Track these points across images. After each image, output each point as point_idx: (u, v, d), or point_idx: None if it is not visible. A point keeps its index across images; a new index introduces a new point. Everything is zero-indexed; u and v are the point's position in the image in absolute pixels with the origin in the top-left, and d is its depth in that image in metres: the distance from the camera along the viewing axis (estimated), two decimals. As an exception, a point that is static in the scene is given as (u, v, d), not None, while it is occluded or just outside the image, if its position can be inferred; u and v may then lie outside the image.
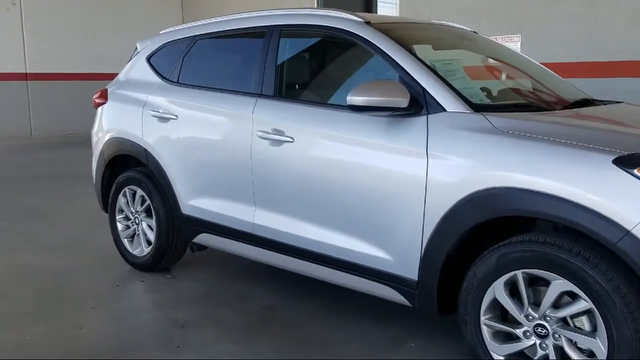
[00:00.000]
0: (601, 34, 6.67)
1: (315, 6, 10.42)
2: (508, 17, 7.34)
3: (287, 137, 3.12)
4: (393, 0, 14.89)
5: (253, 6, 4.89)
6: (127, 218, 4.23)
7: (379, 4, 12.39)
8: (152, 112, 3.91)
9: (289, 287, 3.81)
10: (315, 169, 3.02)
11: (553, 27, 6.96)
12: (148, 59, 4.21)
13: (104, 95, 4.36)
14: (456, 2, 7.65)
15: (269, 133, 3.21)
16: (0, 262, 4.40)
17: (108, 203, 4.32)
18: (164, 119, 3.84)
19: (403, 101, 2.62)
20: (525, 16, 7.17)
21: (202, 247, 4.01)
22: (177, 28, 4.18)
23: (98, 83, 12.64)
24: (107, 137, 4.24)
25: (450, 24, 3.81)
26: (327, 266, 3.04)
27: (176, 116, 3.77)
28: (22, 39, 12.31)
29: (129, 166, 4.31)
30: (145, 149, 3.94)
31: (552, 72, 3.63)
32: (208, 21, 3.95)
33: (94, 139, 4.42)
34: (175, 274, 4.12)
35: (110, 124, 4.28)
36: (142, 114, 3.98)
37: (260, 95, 3.35)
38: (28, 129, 12.54)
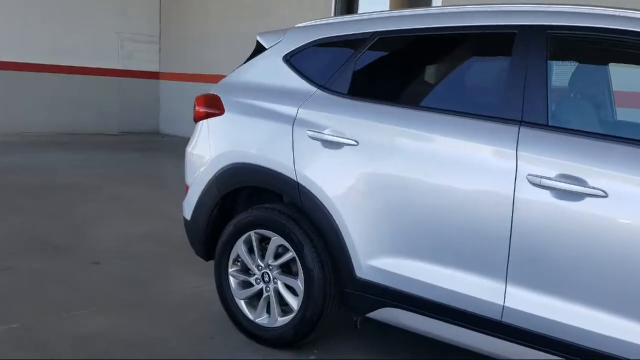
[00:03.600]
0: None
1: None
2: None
3: (594, 188, 2.13)
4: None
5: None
6: (247, 272, 3.09)
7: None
8: (310, 132, 2.83)
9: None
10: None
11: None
12: (287, 59, 3.10)
13: (216, 104, 3.19)
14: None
15: (552, 180, 2.21)
16: (60, 329, 3.10)
17: (215, 249, 3.18)
18: (333, 144, 2.76)
19: None
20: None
21: (366, 321, 2.94)
22: (334, 20, 3.09)
23: (60, 76, 11.44)
24: (224, 163, 3.08)
25: None
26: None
27: (356, 142, 2.70)
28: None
29: (240, 201, 3.21)
30: (298, 183, 2.84)
31: None
32: (395, 13, 2.90)
33: (195, 163, 3.25)
34: (317, 352, 3.03)
35: (231, 144, 3.12)
36: (292, 133, 2.88)
37: (522, 122, 2.35)
38: (-19, 125, 10.89)
